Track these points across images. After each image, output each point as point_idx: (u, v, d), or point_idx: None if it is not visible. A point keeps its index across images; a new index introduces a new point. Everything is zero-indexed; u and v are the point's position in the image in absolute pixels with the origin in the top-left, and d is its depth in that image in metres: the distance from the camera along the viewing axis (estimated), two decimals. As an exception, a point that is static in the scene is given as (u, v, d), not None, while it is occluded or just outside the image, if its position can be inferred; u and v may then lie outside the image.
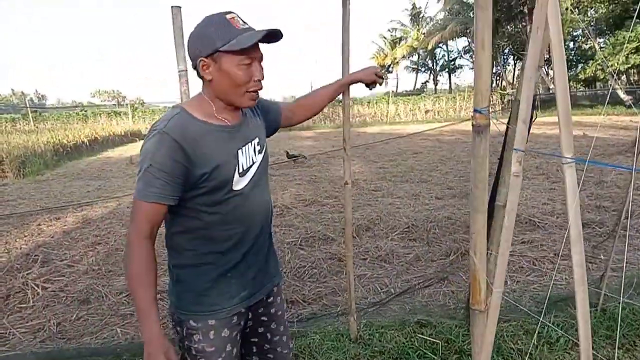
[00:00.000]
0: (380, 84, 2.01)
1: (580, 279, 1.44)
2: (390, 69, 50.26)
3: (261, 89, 1.38)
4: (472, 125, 1.62)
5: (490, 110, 1.53)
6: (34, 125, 22.93)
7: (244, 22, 1.30)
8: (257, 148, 1.49)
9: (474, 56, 1.57)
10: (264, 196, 1.52)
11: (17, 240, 5.32)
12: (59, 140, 14.82)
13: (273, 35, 1.31)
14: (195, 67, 1.34)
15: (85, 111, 30.61)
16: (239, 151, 1.39)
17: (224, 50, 1.25)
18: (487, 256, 1.69)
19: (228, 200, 1.37)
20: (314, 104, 1.90)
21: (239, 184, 1.38)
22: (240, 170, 1.38)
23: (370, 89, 2.07)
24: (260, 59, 1.35)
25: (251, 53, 1.29)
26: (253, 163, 1.45)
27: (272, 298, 1.65)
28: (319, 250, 4.46)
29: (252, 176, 1.44)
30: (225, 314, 1.45)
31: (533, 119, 1.98)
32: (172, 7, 2.19)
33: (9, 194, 8.62)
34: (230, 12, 1.30)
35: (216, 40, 1.26)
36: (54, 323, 3.27)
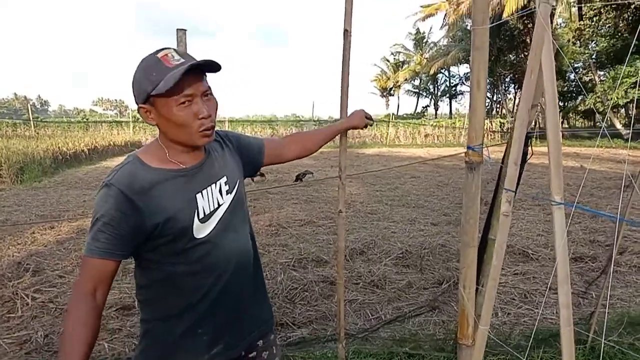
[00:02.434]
0: (372, 125, 2.06)
1: (566, 320, 1.45)
2: (392, 91, 50.63)
3: (212, 125, 1.26)
4: (465, 162, 1.65)
5: (490, 138, 1.55)
6: (35, 131, 22.97)
7: (180, 57, 1.19)
8: (226, 188, 1.36)
9: (469, 94, 1.61)
10: (240, 239, 1.39)
11: (10, 247, 5.31)
12: (59, 147, 14.83)
13: (208, 66, 1.22)
14: None
15: (87, 119, 30.71)
16: (198, 195, 1.28)
17: (155, 94, 1.16)
18: (477, 289, 1.71)
19: (191, 249, 1.26)
20: (307, 145, 1.81)
21: (202, 231, 1.27)
22: (201, 216, 1.27)
23: (363, 129, 2.14)
24: (204, 93, 1.22)
25: (187, 90, 1.17)
26: (219, 206, 1.32)
27: (254, 353, 1.50)
28: (312, 272, 4.45)
29: (219, 220, 1.32)
30: None
31: (528, 157, 2.02)
32: (177, 29, 2.23)
33: (5, 199, 8.62)
34: (164, 49, 1.20)
35: (147, 85, 1.16)
36: (41, 335, 3.25)
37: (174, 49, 1.21)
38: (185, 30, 2.24)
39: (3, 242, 5.53)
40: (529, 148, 2.00)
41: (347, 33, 2.20)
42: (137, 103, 1.23)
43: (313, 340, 3.14)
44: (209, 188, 1.31)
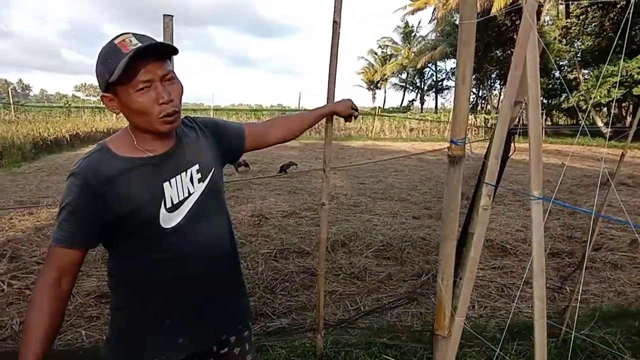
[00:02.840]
0: (356, 117, 2.04)
1: (539, 313, 1.47)
2: (378, 85, 50.71)
3: (175, 110, 1.21)
4: (448, 155, 1.66)
5: (474, 133, 1.55)
6: (15, 115, 22.53)
7: (137, 41, 1.14)
8: (198, 176, 1.32)
9: (454, 88, 1.61)
10: (212, 229, 1.35)
11: (-13, 233, 5.22)
12: (40, 132, 14.58)
13: (162, 49, 1.17)
14: None
15: (69, 105, 30.22)
16: (166, 184, 1.24)
17: (112, 81, 1.12)
18: (455, 282, 1.73)
19: (159, 239, 1.24)
20: (292, 126, 1.76)
21: (170, 221, 1.24)
22: (168, 205, 1.24)
23: (346, 122, 2.09)
24: (164, 77, 1.18)
25: (144, 75, 1.14)
26: (189, 194, 1.29)
27: (226, 349, 1.49)
28: (293, 263, 4.46)
29: (189, 209, 1.28)
30: None
31: (511, 153, 2.03)
32: (164, 15, 2.19)
33: (-17, 184, 8.47)
34: (122, 34, 1.16)
35: (105, 73, 1.13)
36: (17, 322, 3.21)
37: (133, 34, 1.16)
38: (172, 16, 2.20)
39: (-20, 227, 5.44)
40: (512, 144, 2.02)
41: (336, 24, 2.19)
42: (101, 91, 1.20)
43: (292, 330, 3.15)
44: (178, 176, 1.28)
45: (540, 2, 28.73)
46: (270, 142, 1.70)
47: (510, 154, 2.05)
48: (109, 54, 1.13)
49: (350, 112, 1.96)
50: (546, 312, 1.49)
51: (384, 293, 3.85)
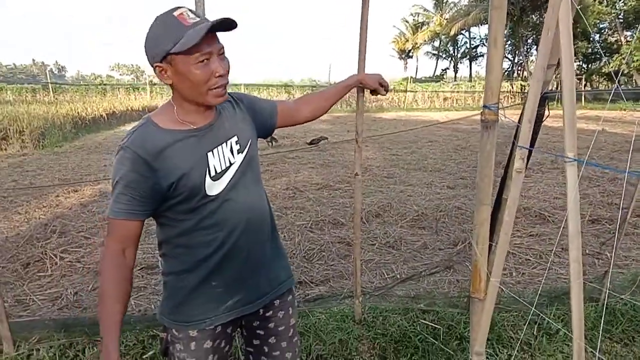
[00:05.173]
0: (384, 95, 2.02)
1: (576, 274, 1.49)
2: (410, 54, 49.77)
3: (226, 83, 1.29)
4: (481, 120, 1.67)
5: (511, 100, 1.56)
6: (54, 96, 23.20)
7: (195, 16, 1.21)
8: (237, 147, 1.39)
9: (487, 52, 1.62)
10: (251, 197, 1.42)
11: (37, 210, 5.49)
12: (78, 112, 15.03)
13: (226, 25, 1.22)
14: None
15: (105, 85, 30.89)
16: (209, 154, 1.31)
17: (175, 52, 1.17)
18: (490, 247, 1.76)
19: (203, 206, 1.31)
20: (320, 103, 1.80)
21: (214, 188, 1.31)
22: (212, 174, 1.31)
23: (372, 94, 2.07)
24: (219, 51, 1.25)
25: (205, 48, 1.19)
26: (230, 164, 1.36)
27: (270, 312, 1.55)
28: (329, 234, 4.54)
29: (231, 178, 1.35)
30: (207, 325, 1.40)
31: (545, 117, 2.02)
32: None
33: (29, 164, 8.84)
34: (179, 8, 1.21)
35: (166, 43, 1.18)
36: (71, 292, 3.41)
37: (188, 8, 1.22)
38: (203, -7, 2.24)
39: (29, 205, 5.72)
40: (546, 108, 2.00)
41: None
42: (151, 63, 1.25)
43: (330, 297, 3.24)
44: (219, 147, 1.34)
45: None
46: (300, 120, 1.77)
47: (544, 119, 2.03)
48: (169, 25, 1.18)
49: (377, 86, 1.94)
50: (586, 277, 1.51)
51: (420, 261, 3.89)
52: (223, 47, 1.26)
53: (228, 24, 1.22)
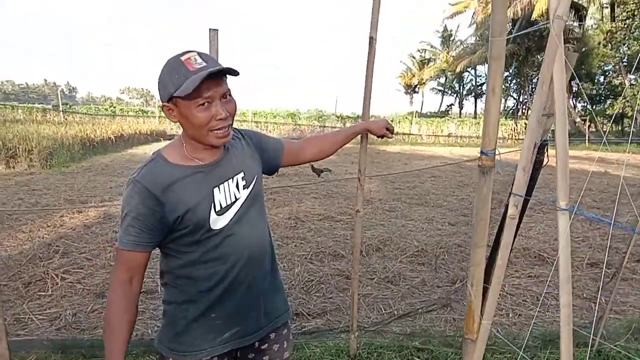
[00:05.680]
0: (390, 138, 2.11)
1: (566, 318, 1.53)
2: (416, 89, 50.36)
3: (229, 125, 1.34)
4: (478, 165, 1.73)
5: (514, 139, 1.62)
6: (64, 117, 23.53)
7: (202, 60, 1.26)
8: (242, 183, 1.45)
9: (485, 100, 1.70)
10: (254, 232, 1.47)
11: (40, 229, 5.55)
12: (87, 134, 15.21)
13: (227, 72, 1.29)
14: None
15: (114, 107, 31.35)
16: (215, 190, 1.37)
17: (177, 95, 1.24)
18: (486, 289, 1.80)
19: (207, 239, 1.36)
20: (325, 146, 1.89)
21: (218, 222, 1.36)
22: (217, 209, 1.36)
23: (378, 138, 2.15)
24: (223, 95, 1.30)
25: (205, 93, 1.25)
26: (236, 200, 1.42)
27: (266, 345, 1.59)
28: (328, 266, 4.56)
29: (235, 213, 1.41)
30: (204, 356, 1.43)
31: (545, 164, 2.09)
32: (209, 29, 2.33)
33: (35, 183, 8.94)
34: (188, 52, 1.28)
35: (170, 86, 1.25)
36: (70, 313, 3.44)
37: (197, 53, 1.28)
38: (217, 30, 2.34)
39: (34, 224, 5.78)
40: (545, 156, 2.07)
41: (372, 40, 2.28)
42: (161, 101, 1.32)
43: (327, 330, 3.25)
44: (226, 183, 1.40)
45: (584, 6, 28.04)
46: (304, 160, 1.86)
47: (544, 165, 2.10)
48: (175, 69, 1.25)
49: (383, 132, 2.04)
50: (582, 322, 1.54)
51: (418, 298, 3.91)
52: (228, 91, 1.32)
53: (229, 71, 1.29)
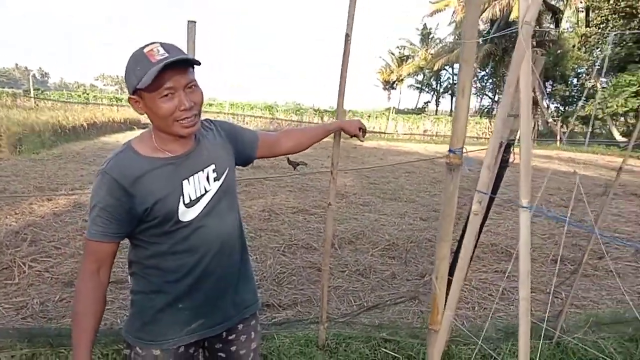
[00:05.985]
0: (362, 140, 2.14)
1: (524, 311, 1.59)
2: (394, 85, 50.64)
3: (195, 114, 1.33)
4: (446, 163, 1.78)
5: (489, 137, 1.67)
6: (35, 103, 22.95)
7: (165, 51, 1.25)
8: (213, 175, 1.45)
9: (455, 100, 1.74)
10: (224, 224, 1.48)
11: (8, 217, 5.43)
12: (59, 121, 14.87)
13: (185, 62, 1.28)
14: None
15: (87, 94, 30.70)
16: (184, 182, 1.37)
17: (140, 87, 1.23)
18: (450, 282, 1.85)
19: (176, 231, 1.37)
20: (301, 140, 1.90)
21: (187, 215, 1.37)
22: (187, 201, 1.36)
23: (351, 137, 2.19)
24: (187, 85, 1.30)
25: (168, 83, 1.25)
26: (206, 192, 1.42)
27: (233, 335, 1.61)
28: (301, 258, 4.60)
29: (205, 206, 1.41)
30: (171, 345, 1.45)
31: (511, 162, 2.16)
32: (188, 21, 2.32)
33: (3, 169, 8.72)
34: (151, 44, 1.27)
35: (133, 79, 1.25)
36: (37, 302, 3.39)
37: (160, 43, 1.27)
38: (195, 22, 2.34)
39: (1, 211, 5.66)
40: (511, 154, 2.15)
41: (348, 37, 2.30)
42: (128, 94, 1.33)
43: (297, 321, 3.29)
44: (196, 175, 1.40)
45: (560, 9, 28.57)
46: (280, 152, 1.86)
47: (508, 164, 2.18)
48: (138, 61, 1.25)
49: (356, 132, 2.08)
50: (543, 315, 1.61)
51: (387, 290, 3.98)
52: (192, 81, 1.32)
53: (188, 61, 1.29)
